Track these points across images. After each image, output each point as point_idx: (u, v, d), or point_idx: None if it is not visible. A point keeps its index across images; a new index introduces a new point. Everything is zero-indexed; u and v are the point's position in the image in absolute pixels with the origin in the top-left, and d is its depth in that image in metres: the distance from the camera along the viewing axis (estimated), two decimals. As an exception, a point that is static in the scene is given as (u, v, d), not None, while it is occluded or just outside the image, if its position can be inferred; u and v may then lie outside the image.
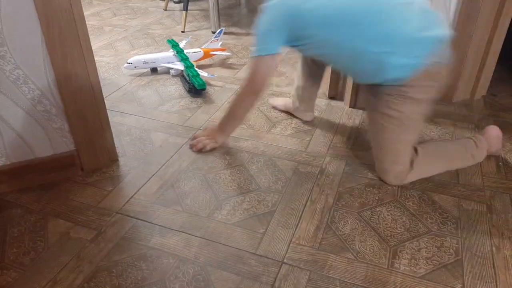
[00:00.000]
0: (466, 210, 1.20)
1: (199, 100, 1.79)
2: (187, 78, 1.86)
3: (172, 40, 2.16)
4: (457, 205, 1.21)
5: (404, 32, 1.12)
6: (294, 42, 1.23)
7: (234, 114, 1.42)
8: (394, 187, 1.28)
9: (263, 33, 1.24)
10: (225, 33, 2.29)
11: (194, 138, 1.49)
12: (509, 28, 1.63)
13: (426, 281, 0.99)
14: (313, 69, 1.50)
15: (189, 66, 1.89)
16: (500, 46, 1.66)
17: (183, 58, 1.97)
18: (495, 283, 0.98)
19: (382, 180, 1.30)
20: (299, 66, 1.55)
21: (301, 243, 1.09)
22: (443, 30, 1.17)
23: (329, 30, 1.16)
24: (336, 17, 1.15)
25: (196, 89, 1.78)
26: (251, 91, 1.33)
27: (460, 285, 0.98)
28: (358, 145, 1.48)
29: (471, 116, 1.66)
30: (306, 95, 1.56)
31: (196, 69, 1.88)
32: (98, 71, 1.24)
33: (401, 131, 1.20)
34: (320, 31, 1.17)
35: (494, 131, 1.37)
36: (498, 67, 1.74)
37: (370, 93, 1.26)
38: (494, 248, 1.07)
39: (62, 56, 1.15)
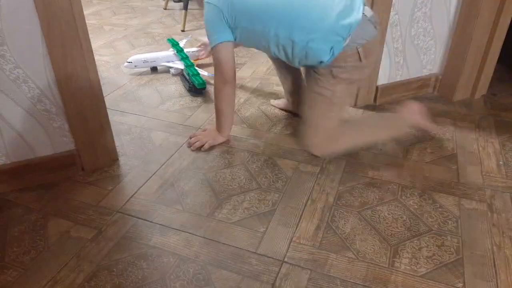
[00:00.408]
0: (466, 209, 1.20)
1: (199, 99, 1.79)
2: (187, 77, 1.86)
3: (172, 39, 2.16)
4: (457, 204, 1.21)
5: (323, 23, 1.20)
6: (233, 33, 1.31)
7: (220, 109, 1.44)
8: (394, 186, 1.28)
9: (209, 24, 1.33)
10: (225, 32, 2.29)
11: (192, 137, 1.49)
12: (509, 28, 1.62)
13: (427, 280, 0.99)
14: (280, 60, 1.48)
15: (189, 65, 1.89)
16: (500, 46, 1.66)
17: (183, 57, 1.97)
18: (495, 282, 0.98)
19: (312, 154, 1.39)
20: (272, 61, 1.64)
21: (301, 242, 1.09)
22: (366, 12, 1.23)
23: (251, 21, 1.27)
24: (257, 10, 1.24)
25: (196, 88, 1.78)
26: (222, 81, 1.38)
27: (461, 284, 0.98)
28: (358, 144, 1.48)
29: (471, 115, 1.65)
30: (289, 87, 1.60)
31: (196, 68, 1.88)
32: (98, 70, 1.24)
33: (328, 108, 1.30)
34: (247, 23, 1.27)
35: (412, 105, 1.44)
36: (498, 67, 1.74)
37: (306, 75, 1.36)
38: (494, 247, 1.07)
39: (62, 56, 1.15)
